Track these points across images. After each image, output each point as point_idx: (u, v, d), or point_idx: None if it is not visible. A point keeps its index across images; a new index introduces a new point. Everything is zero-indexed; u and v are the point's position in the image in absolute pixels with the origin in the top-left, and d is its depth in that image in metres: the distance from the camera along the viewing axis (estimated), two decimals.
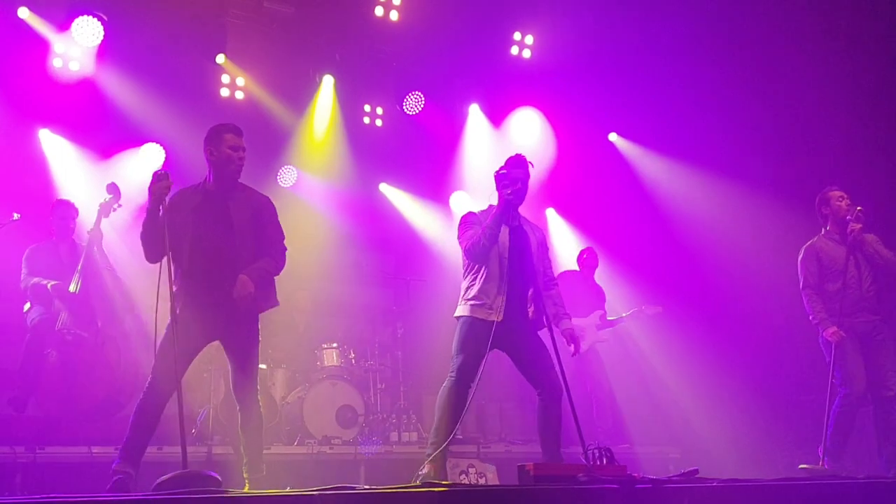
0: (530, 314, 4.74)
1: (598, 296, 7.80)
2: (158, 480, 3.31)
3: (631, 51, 8.10)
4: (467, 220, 4.83)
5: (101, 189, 6.05)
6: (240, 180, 4.48)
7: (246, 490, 4.09)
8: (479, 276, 4.67)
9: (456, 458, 6.30)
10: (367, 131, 8.89)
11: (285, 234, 4.59)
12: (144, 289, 5.70)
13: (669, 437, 7.65)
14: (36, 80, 7.05)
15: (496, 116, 9.17)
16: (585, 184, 9.28)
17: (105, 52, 7.12)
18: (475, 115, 9.14)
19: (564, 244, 9.23)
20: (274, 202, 4.58)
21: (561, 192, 9.40)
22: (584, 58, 8.27)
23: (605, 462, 3.68)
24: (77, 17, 6.81)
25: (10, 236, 5.98)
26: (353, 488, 2.89)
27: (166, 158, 7.36)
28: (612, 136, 9.37)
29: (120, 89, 7.31)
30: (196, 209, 4.31)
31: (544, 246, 4.97)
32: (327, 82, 8.41)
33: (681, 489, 3.23)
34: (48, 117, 7.33)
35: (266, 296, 4.44)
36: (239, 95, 7.96)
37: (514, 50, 8.51)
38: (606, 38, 8.05)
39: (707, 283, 7.96)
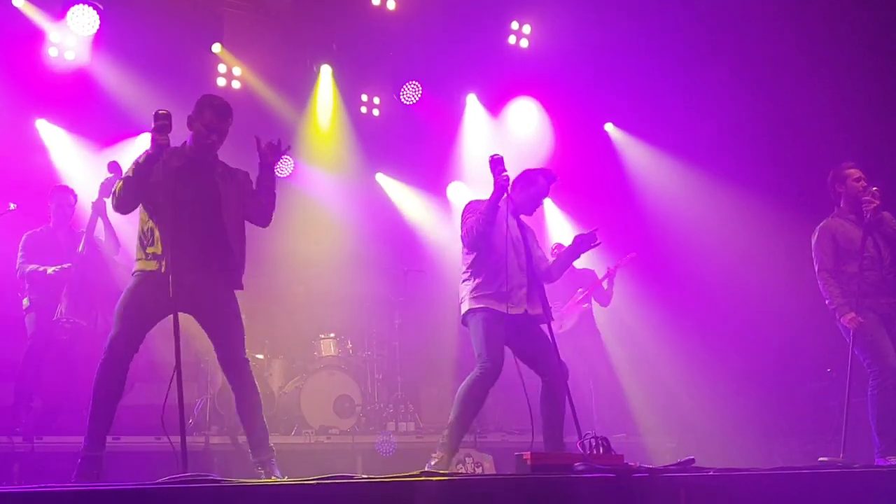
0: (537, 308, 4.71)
1: (588, 278, 7.78)
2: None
3: (628, 41, 8.08)
4: (468, 210, 4.78)
5: (100, 178, 5.97)
6: (236, 166, 4.41)
7: (272, 480, 3.91)
8: (493, 268, 4.61)
9: None
10: (364, 121, 8.88)
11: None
12: None
13: (667, 426, 7.67)
14: (32, 70, 7.02)
15: (494, 106, 9.16)
16: (583, 174, 9.28)
17: (101, 41, 7.09)
18: (473, 105, 9.13)
19: (562, 235, 9.22)
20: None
21: (559, 182, 9.37)
22: (582, 48, 8.24)
23: (601, 451, 3.69)
24: (72, 5, 6.75)
25: (8, 226, 5.97)
26: (351, 477, 2.90)
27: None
28: (608, 127, 9.37)
29: (116, 78, 7.28)
30: (181, 170, 4.10)
31: (536, 240, 4.97)
32: (325, 72, 8.40)
33: (677, 478, 3.24)
34: (45, 107, 7.31)
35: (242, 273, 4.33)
36: (235, 85, 7.95)
37: (512, 39, 8.49)
38: (604, 28, 8.03)
39: (704, 272, 7.97)
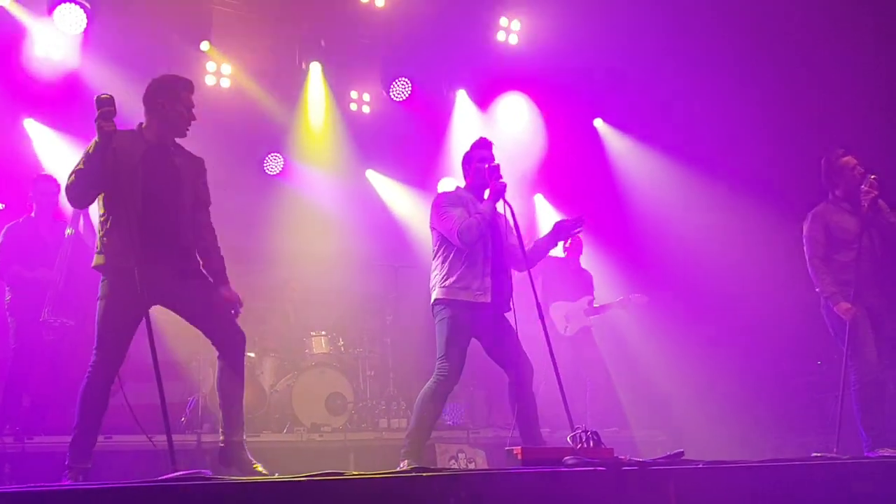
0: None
1: (587, 281, 7.82)
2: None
3: (618, 37, 8.08)
4: (448, 202, 4.79)
5: None
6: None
7: (264, 478, 3.78)
8: (461, 258, 4.66)
9: (446, 444, 6.33)
10: (354, 118, 8.88)
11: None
12: None
13: (657, 420, 7.71)
14: (18, 69, 6.97)
15: (483, 102, 9.16)
16: (573, 169, 9.31)
17: (89, 39, 7.05)
18: (462, 101, 9.13)
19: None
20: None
21: (549, 177, 9.42)
22: (571, 43, 8.25)
23: (592, 445, 3.72)
24: (59, 4, 6.70)
25: None
26: (342, 474, 2.90)
27: None
28: (597, 122, 9.39)
29: (104, 77, 7.23)
30: (144, 158, 3.98)
31: (510, 229, 4.93)
32: (315, 69, 8.38)
33: (667, 471, 3.26)
34: (32, 107, 7.27)
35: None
36: (225, 83, 7.91)
37: (501, 36, 8.48)
38: (593, 24, 8.03)
39: (694, 267, 7.99)
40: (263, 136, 8.49)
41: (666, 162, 8.60)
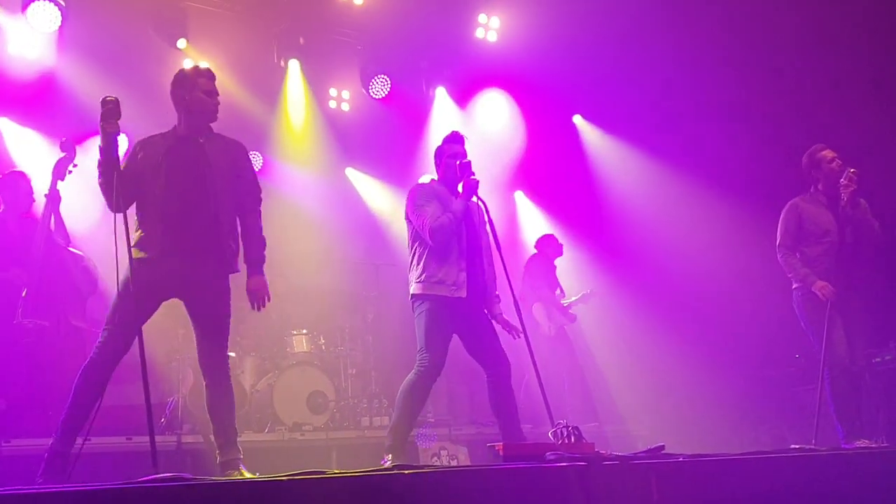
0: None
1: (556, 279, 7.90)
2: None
3: (596, 33, 8.11)
4: (421, 196, 4.80)
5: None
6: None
7: (245, 477, 3.82)
8: (436, 253, 4.67)
9: (427, 441, 6.33)
10: (333, 116, 8.84)
11: None
12: (102, 253, 5.38)
13: (638, 415, 7.75)
14: None
15: (463, 99, 9.17)
16: (553, 166, 9.33)
17: (63, 37, 6.97)
18: (442, 98, 9.13)
19: (533, 227, 9.26)
20: None
21: (528, 174, 9.44)
22: (550, 40, 8.27)
23: (573, 440, 3.73)
24: (32, 2, 6.61)
25: None
26: (323, 473, 2.89)
27: (129, 145, 7.22)
28: (577, 119, 9.43)
29: (79, 76, 7.16)
30: (168, 153, 4.03)
31: (483, 224, 4.94)
32: (293, 67, 8.33)
33: (647, 465, 3.28)
34: (5, 105, 7.17)
35: (237, 255, 4.24)
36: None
37: (480, 33, 8.49)
38: (572, 21, 8.05)
39: (672, 262, 8.05)
40: (242, 134, 8.41)
41: (644, 158, 8.65)
